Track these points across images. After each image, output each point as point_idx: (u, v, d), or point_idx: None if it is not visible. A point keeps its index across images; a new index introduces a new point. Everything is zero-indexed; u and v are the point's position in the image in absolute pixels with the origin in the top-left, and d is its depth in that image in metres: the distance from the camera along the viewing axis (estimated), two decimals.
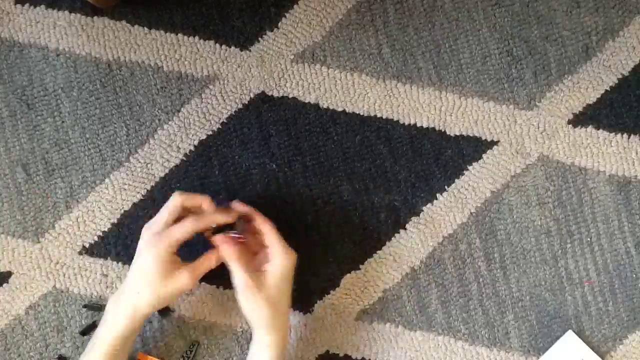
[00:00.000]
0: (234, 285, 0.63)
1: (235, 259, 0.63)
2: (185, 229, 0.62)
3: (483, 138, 0.75)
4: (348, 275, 0.74)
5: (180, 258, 0.64)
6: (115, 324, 0.62)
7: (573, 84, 0.75)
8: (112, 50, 0.72)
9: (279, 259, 0.64)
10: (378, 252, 0.74)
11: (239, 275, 0.63)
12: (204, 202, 0.65)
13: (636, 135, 0.75)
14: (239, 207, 0.67)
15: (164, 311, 0.72)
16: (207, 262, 0.64)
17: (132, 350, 0.67)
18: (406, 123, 0.74)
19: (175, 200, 0.64)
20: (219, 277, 0.72)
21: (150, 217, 0.72)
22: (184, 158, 0.73)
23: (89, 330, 0.71)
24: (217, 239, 0.64)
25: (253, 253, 0.67)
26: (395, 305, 0.74)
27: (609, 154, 0.75)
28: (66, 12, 0.72)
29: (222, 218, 0.65)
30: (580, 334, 0.74)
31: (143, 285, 0.62)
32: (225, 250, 0.63)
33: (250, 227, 0.67)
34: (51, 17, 0.72)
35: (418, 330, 0.74)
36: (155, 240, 0.62)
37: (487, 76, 0.75)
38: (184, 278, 0.62)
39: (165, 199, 0.72)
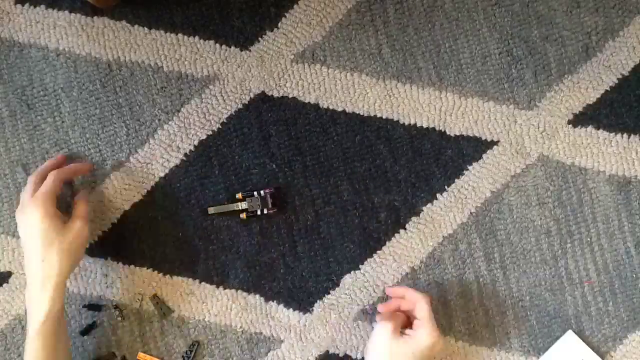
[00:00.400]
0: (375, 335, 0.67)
1: (396, 319, 0.67)
2: (52, 181, 0.64)
3: (483, 138, 0.75)
4: (348, 275, 0.74)
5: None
6: (39, 304, 0.62)
7: (573, 84, 0.75)
8: (112, 50, 0.72)
9: (424, 333, 0.65)
10: (378, 252, 0.74)
11: (385, 324, 0.66)
12: (58, 161, 0.70)
13: (636, 135, 0.75)
14: (392, 290, 0.72)
15: (166, 311, 0.72)
16: (82, 202, 0.67)
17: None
18: (406, 123, 0.74)
19: (36, 171, 0.67)
20: (219, 276, 0.73)
21: (150, 218, 0.72)
22: (184, 158, 0.73)
23: (88, 330, 0.71)
24: (380, 307, 0.70)
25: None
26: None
27: (609, 154, 0.75)
28: (66, 12, 0.72)
29: (81, 168, 0.70)
30: (580, 334, 0.74)
31: (45, 247, 0.62)
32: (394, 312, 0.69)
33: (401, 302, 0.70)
34: (51, 17, 0.72)
35: None
36: (33, 202, 0.63)
37: (487, 76, 0.75)
38: (77, 224, 0.64)
39: (165, 198, 0.72)
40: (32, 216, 0.63)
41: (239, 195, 0.72)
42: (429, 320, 0.65)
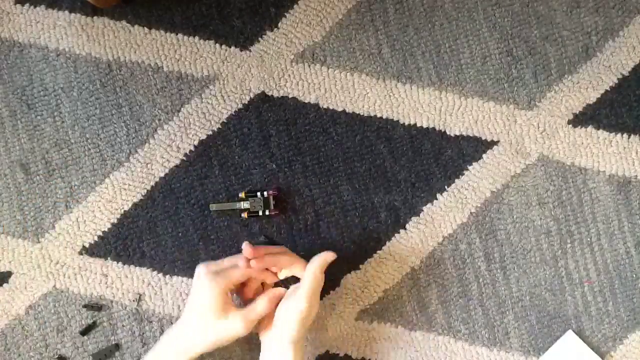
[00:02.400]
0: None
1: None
2: (242, 272, 0.64)
3: (483, 138, 0.75)
4: (348, 275, 0.74)
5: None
6: (172, 357, 0.63)
7: (573, 84, 0.75)
8: (112, 50, 0.72)
9: (300, 301, 0.64)
10: (378, 252, 0.74)
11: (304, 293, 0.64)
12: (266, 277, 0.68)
13: (636, 135, 0.75)
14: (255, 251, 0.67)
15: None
16: (259, 307, 0.64)
17: None
18: (406, 123, 0.74)
19: (244, 256, 0.65)
20: None
21: (150, 218, 0.72)
22: (184, 158, 0.73)
23: (88, 330, 0.71)
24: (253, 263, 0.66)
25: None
26: (395, 305, 0.74)
27: (609, 154, 0.75)
28: (66, 12, 0.72)
29: (271, 278, 0.68)
30: (580, 334, 0.74)
31: (198, 323, 0.63)
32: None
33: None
34: (51, 17, 0.72)
35: (418, 330, 0.74)
36: (213, 277, 0.63)
37: (487, 76, 0.75)
38: (238, 322, 0.63)
39: (165, 198, 0.72)
40: (201, 290, 0.63)
41: (242, 194, 0.72)
42: (311, 292, 0.64)
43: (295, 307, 0.63)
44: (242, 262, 0.64)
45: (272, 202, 0.71)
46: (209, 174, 0.73)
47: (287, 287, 0.68)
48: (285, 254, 0.67)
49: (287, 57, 0.74)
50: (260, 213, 0.71)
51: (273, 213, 0.71)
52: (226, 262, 0.66)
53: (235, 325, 0.63)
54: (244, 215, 0.71)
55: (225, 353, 0.73)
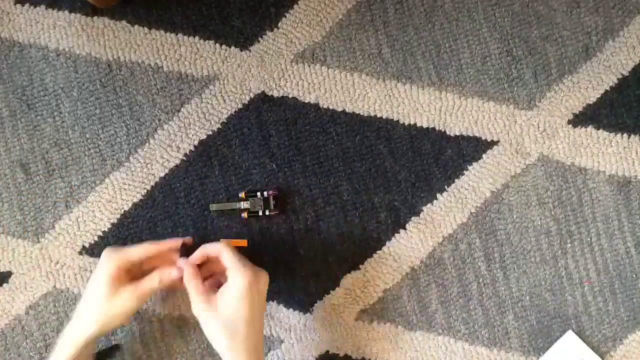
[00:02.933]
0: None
1: (189, 278, 0.61)
2: (138, 250, 0.62)
3: (483, 138, 0.75)
4: (348, 275, 0.74)
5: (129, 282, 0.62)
6: (61, 350, 0.61)
7: (573, 84, 0.75)
8: (112, 50, 0.72)
9: (231, 278, 0.60)
10: (378, 252, 0.74)
11: (190, 295, 0.60)
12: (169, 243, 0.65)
13: (636, 135, 0.75)
14: (192, 259, 0.64)
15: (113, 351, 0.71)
16: (150, 282, 0.62)
17: None
18: (406, 123, 0.74)
19: (142, 244, 0.64)
20: None
21: (150, 218, 0.72)
22: (184, 158, 0.73)
23: (108, 353, 0.71)
24: (179, 260, 0.63)
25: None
26: (395, 305, 0.74)
27: (609, 154, 0.75)
28: (66, 12, 0.72)
29: (172, 243, 0.64)
30: (580, 334, 0.74)
31: (89, 307, 0.61)
32: (184, 268, 0.62)
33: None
34: (51, 17, 0.72)
35: (418, 330, 0.74)
36: (110, 254, 0.62)
37: (487, 76, 0.75)
38: (126, 296, 0.60)
39: (165, 199, 0.72)
40: (103, 265, 0.61)
41: (242, 194, 0.72)
42: (235, 263, 0.60)
43: (233, 284, 0.59)
44: (145, 245, 0.63)
45: (272, 202, 0.71)
46: (209, 174, 0.73)
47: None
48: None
49: (287, 57, 0.74)
50: (260, 213, 0.71)
51: (273, 213, 0.71)
52: (133, 248, 0.63)
53: (125, 300, 0.60)
54: (244, 215, 0.71)
55: None
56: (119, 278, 0.61)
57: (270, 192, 0.71)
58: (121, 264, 0.61)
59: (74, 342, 0.61)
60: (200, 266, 0.64)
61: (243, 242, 0.72)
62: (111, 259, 0.62)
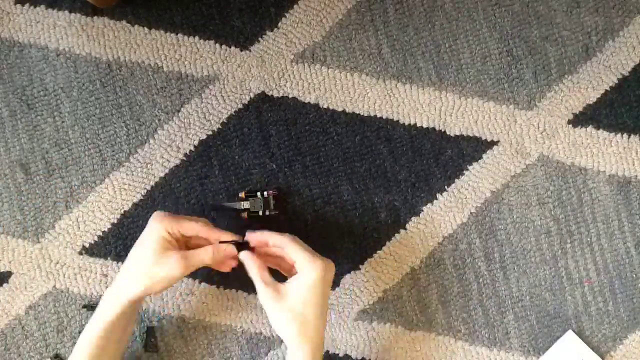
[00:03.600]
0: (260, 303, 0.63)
1: (256, 270, 0.62)
2: (193, 226, 0.62)
3: (483, 138, 0.75)
4: (348, 275, 0.74)
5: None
6: (104, 309, 0.61)
7: (573, 84, 0.75)
8: (112, 50, 0.72)
9: (304, 269, 0.61)
10: (378, 252, 0.74)
11: (258, 286, 0.61)
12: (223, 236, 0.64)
13: (636, 135, 0.75)
14: (253, 237, 0.65)
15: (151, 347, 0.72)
16: (202, 254, 0.62)
17: (129, 341, 0.67)
18: (406, 123, 0.74)
19: (202, 219, 0.64)
20: (219, 276, 0.73)
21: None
22: (184, 158, 0.73)
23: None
24: (242, 255, 0.63)
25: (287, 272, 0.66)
26: (395, 305, 0.74)
27: (609, 154, 0.75)
28: (66, 12, 0.72)
29: (227, 236, 0.64)
30: (580, 334, 0.74)
31: (136, 267, 0.61)
32: (247, 260, 0.62)
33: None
34: (51, 17, 0.72)
35: (418, 330, 0.74)
36: (161, 217, 0.61)
37: (487, 76, 0.75)
38: (173, 262, 0.60)
39: (165, 199, 0.72)
40: (152, 226, 0.61)
41: (242, 194, 0.72)
42: (305, 256, 0.61)
43: (304, 275, 0.60)
44: (201, 223, 0.62)
45: (272, 202, 0.71)
46: (209, 174, 0.73)
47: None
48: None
49: (287, 57, 0.74)
50: (260, 213, 0.71)
51: (273, 213, 0.71)
52: (185, 218, 0.63)
53: (172, 266, 0.60)
54: (244, 215, 0.71)
55: (225, 353, 0.73)
56: (168, 242, 0.61)
57: (270, 192, 0.71)
58: (173, 231, 0.61)
59: (119, 301, 0.61)
60: (251, 249, 0.64)
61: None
62: (163, 224, 0.61)
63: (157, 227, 0.61)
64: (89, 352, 0.61)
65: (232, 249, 0.63)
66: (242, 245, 0.64)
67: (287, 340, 0.61)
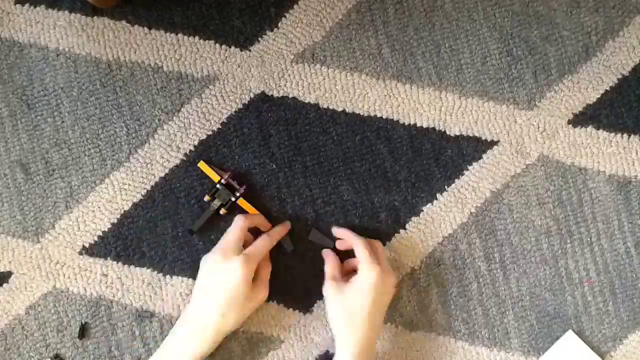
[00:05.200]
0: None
1: (328, 265, 0.70)
2: (262, 249, 0.67)
3: (483, 138, 0.75)
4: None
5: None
6: (197, 343, 0.64)
7: (573, 84, 0.75)
8: (112, 50, 0.72)
9: (361, 272, 0.66)
10: None
11: (325, 279, 0.69)
12: (260, 220, 0.71)
13: (636, 135, 0.75)
14: (338, 232, 0.72)
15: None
16: (267, 269, 0.69)
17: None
18: (406, 123, 0.74)
19: (241, 222, 0.68)
20: None
21: (150, 218, 0.72)
22: (184, 158, 0.73)
23: (83, 332, 0.71)
24: (324, 251, 0.72)
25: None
26: (395, 305, 0.74)
27: (609, 154, 0.75)
28: (66, 12, 0.72)
29: (284, 230, 0.71)
30: (580, 334, 0.74)
31: (229, 306, 0.64)
32: (326, 257, 0.71)
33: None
34: (51, 17, 0.72)
35: (418, 330, 0.74)
36: (243, 260, 0.64)
37: (487, 76, 0.75)
38: (262, 292, 0.67)
39: (165, 198, 0.72)
40: (234, 273, 0.64)
41: (206, 197, 0.71)
42: (365, 260, 0.66)
43: (365, 276, 0.66)
44: (264, 241, 0.68)
45: (234, 182, 0.71)
46: (209, 173, 0.73)
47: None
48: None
49: (287, 57, 0.74)
50: (233, 199, 0.71)
51: (243, 190, 0.71)
52: (240, 234, 0.67)
53: (260, 295, 0.67)
54: (223, 211, 0.71)
55: (225, 353, 0.73)
56: (251, 281, 0.66)
57: (226, 176, 0.71)
58: (253, 270, 0.66)
59: (219, 336, 0.65)
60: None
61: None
62: (248, 268, 0.64)
63: (243, 273, 0.64)
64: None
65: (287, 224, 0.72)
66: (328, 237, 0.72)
67: (335, 330, 0.66)
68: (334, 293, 0.67)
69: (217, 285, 0.65)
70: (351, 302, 0.65)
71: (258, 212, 0.72)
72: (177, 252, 0.72)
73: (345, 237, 0.71)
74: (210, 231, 0.73)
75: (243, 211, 0.72)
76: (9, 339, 0.72)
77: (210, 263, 0.66)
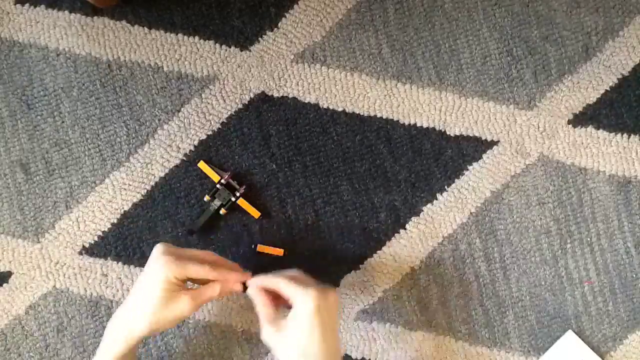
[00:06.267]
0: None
1: (259, 308, 0.61)
2: (198, 270, 0.60)
3: (483, 138, 0.75)
4: (348, 275, 0.74)
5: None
6: (112, 345, 0.61)
7: (573, 84, 0.75)
8: (112, 50, 0.72)
9: (298, 304, 0.59)
10: (378, 252, 0.74)
11: (261, 324, 0.61)
12: (231, 269, 0.63)
13: (636, 135, 0.75)
14: (253, 282, 0.63)
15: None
16: (209, 291, 0.62)
17: None
18: (406, 123, 0.74)
19: (207, 254, 0.63)
20: None
21: (150, 218, 0.72)
22: (184, 158, 0.73)
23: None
24: (249, 290, 0.62)
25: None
26: (395, 305, 0.74)
27: (609, 154, 0.75)
28: (66, 12, 0.72)
29: (236, 278, 0.63)
30: (580, 334, 0.74)
31: (143, 307, 0.60)
32: (254, 298, 0.62)
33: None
34: (51, 17, 0.72)
35: (418, 330, 0.74)
36: (166, 262, 0.59)
37: (487, 76, 0.75)
38: (184, 304, 0.60)
39: (165, 199, 0.72)
40: (160, 273, 0.59)
41: (206, 197, 0.71)
42: (296, 290, 0.59)
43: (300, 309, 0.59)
44: (207, 267, 0.61)
45: (234, 183, 0.71)
46: (209, 173, 0.73)
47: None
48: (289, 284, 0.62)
49: (287, 57, 0.74)
50: (234, 199, 0.71)
51: (243, 190, 0.71)
52: (191, 255, 0.62)
53: (183, 306, 0.59)
54: (223, 211, 0.71)
55: (225, 353, 0.73)
56: (175, 285, 0.60)
57: (226, 177, 0.71)
58: (179, 276, 0.60)
59: (127, 340, 0.60)
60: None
61: (279, 252, 0.72)
62: (171, 270, 0.59)
63: (164, 271, 0.59)
64: None
65: (238, 285, 0.63)
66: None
67: None
68: (277, 338, 0.59)
69: (140, 281, 0.61)
70: (298, 338, 0.58)
71: (259, 213, 0.71)
72: None
73: (264, 286, 0.63)
74: (210, 231, 0.72)
75: (243, 211, 0.72)
76: (9, 339, 0.72)
77: (152, 256, 0.61)
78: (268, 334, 0.60)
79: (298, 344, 0.58)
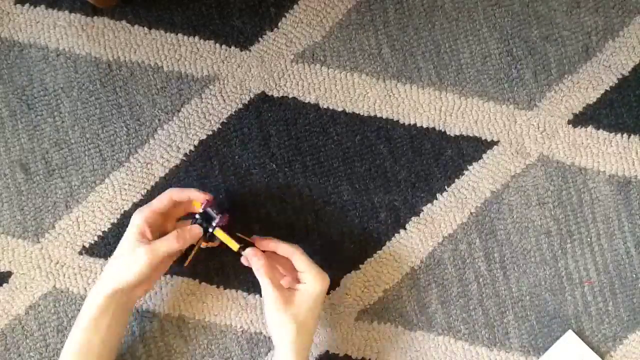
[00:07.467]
0: (263, 300, 0.64)
1: (265, 273, 0.63)
2: (160, 198, 0.64)
3: (483, 138, 0.75)
4: (348, 275, 0.74)
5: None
6: (84, 305, 0.62)
7: (573, 84, 0.75)
8: (112, 50, 0.72)
9: (312, 281, 0.64)
10: (378, 252, 0.74)
11: (269, 290, 0.63)
12: (192, 194, 0.65)
13: (636, 135, 0.75)
14: (262, 243, 0.67)
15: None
16: (166, 243, 0.62)
17: (119, 346, 0.67)
18: (406, 123, 0.74)
19: (167, 193, 0.65)
20: (219, 276, 0.73)
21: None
22: (184, 158, 0.73)
23: None
24: (248, 252, 0.65)
25: (282, 273, 0.69)
26: (395, 305, 0.74)
27: (609, 154, 0.75)
28: (66, 12, 0.72)
29: (195, 194, 0.64)
30: (580, 334, 0.74)
31: (114, 257, 0.63)
32: (256, 263, 0.64)
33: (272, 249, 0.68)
34: (51, 17, 0.72)
35: (418, 330, 0.74)
36: (138, 211, 0.63)
37: (487, 76, 0.75)
38: (141, 254, 0.60)
39: None
40: (130, 225, 0.63)
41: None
42: (311, 267, 0.65)
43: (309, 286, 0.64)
44: (166, 194, 0.64)
45: (213, 211, 0.64)
46: (209, 174, 0.73)
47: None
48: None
49: (287, 57, 0.74)
50: (211, 229, 0.65)
51: (219, 220, 0.64)
52: (159, 203, 0.64)
53: (138, 257, 0.60)
54: (204, 244, 0.67)
55: (225, 353, 0.73)
56: (144, 234, 0.62)
57: (203, 204, 0.64)
58: (147, 217, 0.62)
59: (98, 297, 0.61)
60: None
61: (235, 246, 0.66)
62: (137, 214, 0.63)
63: (133, 220, 0.63)
64: (72, 350, 0.62)
65: (197, 229, 0.64)
66: (245, 247, 0.65)
67: (282, 342, 0.63)
68: (282, 303, 0.62)
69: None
70: (302, 312, 0.63)
71: (237, 245, 0.65)
72: (177, 252, 0.72)
73: (275, 248, 0.66)
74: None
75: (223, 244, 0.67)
76: (9, 339, 0.72)
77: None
78: (275, 299, 0.62)
79: (299, 316, 0.63)
